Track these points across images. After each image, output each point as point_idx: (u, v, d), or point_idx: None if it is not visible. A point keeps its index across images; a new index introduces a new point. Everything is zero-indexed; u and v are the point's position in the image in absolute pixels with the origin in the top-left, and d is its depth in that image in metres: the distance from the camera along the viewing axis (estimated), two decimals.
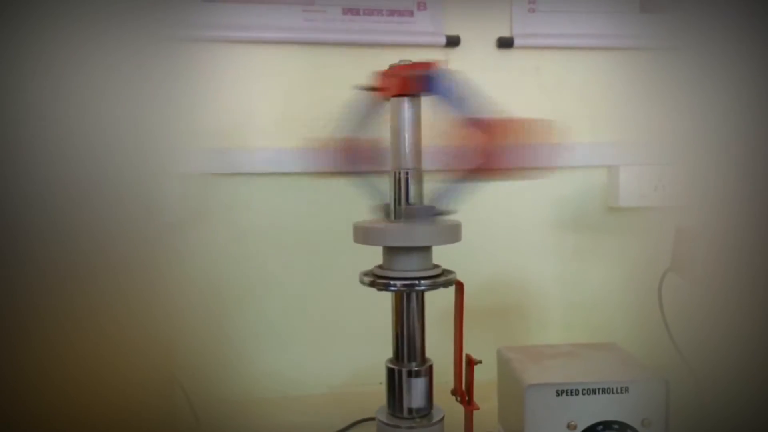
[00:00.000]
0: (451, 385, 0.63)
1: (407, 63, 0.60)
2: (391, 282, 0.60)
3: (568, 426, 0.60)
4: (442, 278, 0.61)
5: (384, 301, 0.65)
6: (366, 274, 0.62)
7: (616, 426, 0.61)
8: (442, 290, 0.61)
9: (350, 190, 0.66)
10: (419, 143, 0.62)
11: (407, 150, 0.61)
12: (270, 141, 0.86)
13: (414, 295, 0.62)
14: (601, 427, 0.61)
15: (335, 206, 0.87)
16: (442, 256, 0.63)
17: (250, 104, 0.87)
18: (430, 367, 0.64)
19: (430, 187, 0.62)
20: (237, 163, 0.86)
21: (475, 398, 0.62)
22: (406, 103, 0.61)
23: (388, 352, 0.65)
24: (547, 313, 0.97)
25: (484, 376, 0.66)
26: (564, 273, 0.97)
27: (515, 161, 0.56)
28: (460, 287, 0.62)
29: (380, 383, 0.66)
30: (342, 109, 0.65)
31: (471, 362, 0.62)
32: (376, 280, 0.61)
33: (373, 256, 0.63)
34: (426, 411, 0.63)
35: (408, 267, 0.60)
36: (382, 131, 0.64)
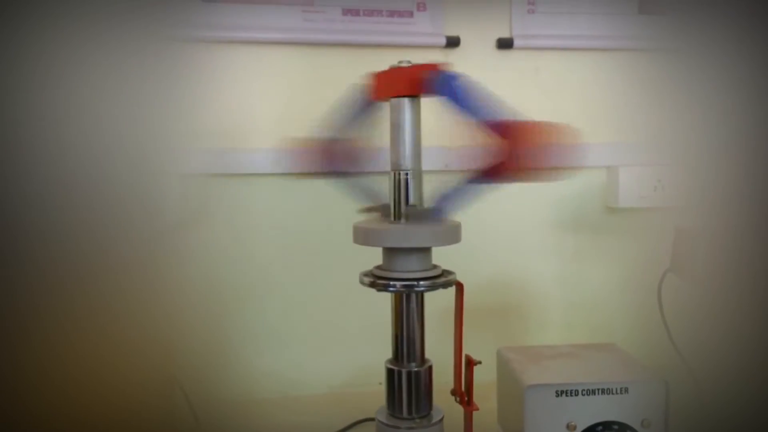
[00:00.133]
0: (450, 385, 0.63)
1: (407, 63, 0.60)
2: (391, 282, 0.60)
3: (568, 426, 0.60)
4: (441, 279, 0.61)
5: (384, 301, 0.65)
6: (366, 274, 0.62)
7: (615, 426, 0.61)
8: (441, 290, 0.61)
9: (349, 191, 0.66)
10: (419, 143, 0.62)
11: (407, 150, 0.61)
12: (270, 141, 0.86)
13: (414, 296, 0.62)
14: (600, 427, 0.61)
15: (335, 207, 0.87)
16: (442, 256, 0.63)
17: (250, 104, 0.87)
18: (430, 368, 0.64)
19: (435, 187, 0.61)
20: (237, 164, 0.86)
21: (475, 399, 0.62)
22: (406, 104, 0.61)
23: (388, 353, 0.65)
24: (547, 313, 0.97)
25: (484, 377, 0.66)
26: (564, 273, 0.97)
27: (535, 162, 0.56)
28: (459, 288, 0.62)
29: (380, 383, 0.66)
30: (333, 108, 0.65)
31: (471, 363, 0.62)
32: (376, 280, 0.61)
33: (373, 257, 0.63)
34: (426, 411, 0.63)
35: (408, 267, 0.60)
36: (373, 131, 0.64)
